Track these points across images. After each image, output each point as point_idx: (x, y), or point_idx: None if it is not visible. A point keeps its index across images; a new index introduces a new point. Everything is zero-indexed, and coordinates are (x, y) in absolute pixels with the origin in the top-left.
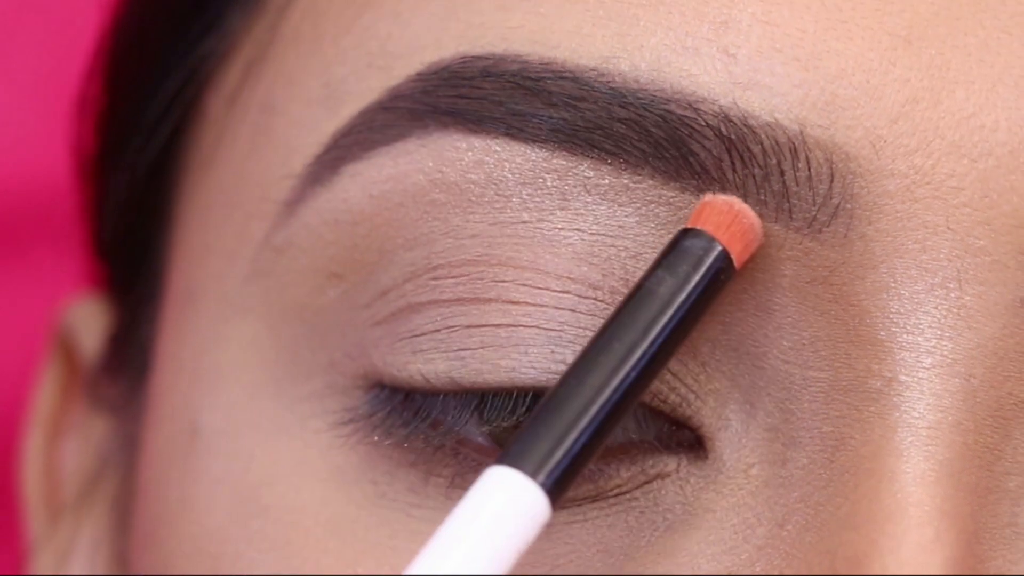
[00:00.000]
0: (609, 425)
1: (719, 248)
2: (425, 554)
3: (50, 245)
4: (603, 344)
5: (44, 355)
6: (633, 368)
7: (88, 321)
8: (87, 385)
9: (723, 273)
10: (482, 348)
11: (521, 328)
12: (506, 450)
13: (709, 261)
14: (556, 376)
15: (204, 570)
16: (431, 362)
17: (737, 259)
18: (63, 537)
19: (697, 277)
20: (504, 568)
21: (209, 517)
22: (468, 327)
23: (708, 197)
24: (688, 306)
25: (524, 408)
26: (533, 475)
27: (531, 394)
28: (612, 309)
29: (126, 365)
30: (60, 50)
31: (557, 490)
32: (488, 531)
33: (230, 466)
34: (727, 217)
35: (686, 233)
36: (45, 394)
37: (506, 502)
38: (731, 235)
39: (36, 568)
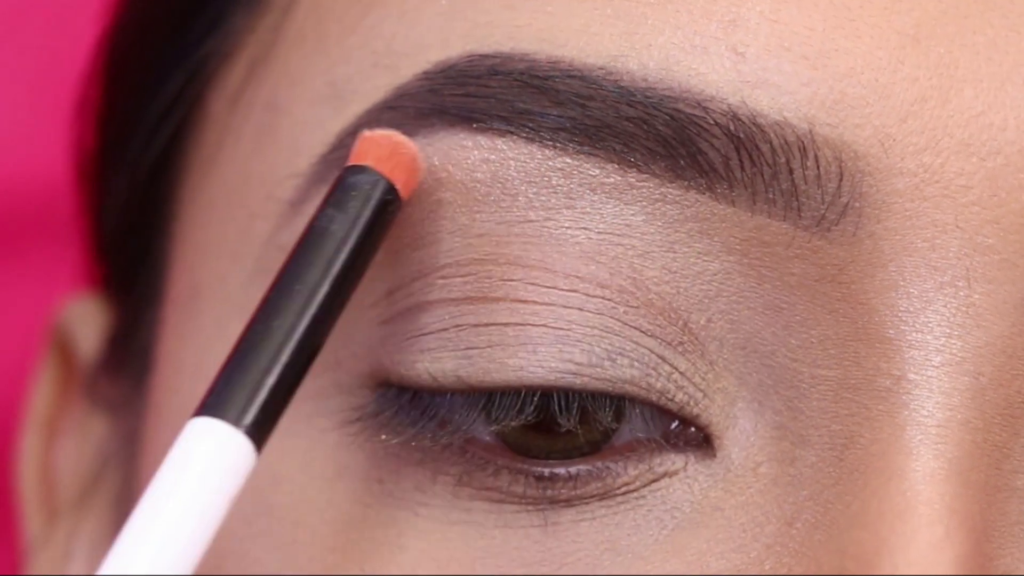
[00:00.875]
0: (301, 365)
1: (384, 181)
2: (136, 515)
3: (45, 245)
4: (286, 287)
5: (39, 355)
6: (318, 308)
7: (85, 320)
8: (85, 384)
9: (391, 205)
10: (490, 347)
11: (529, 327)
12: (204, 401)
13: (376, 194)
14: (564, 375)
15: (208, 569)
16: (439, 361)
17: (402, 190)
18: (62, 537)
19: (367, 212)
20: (219, 517)
21: None
22: (476, 326)
23: (367, 133)
24: (361, 240)
25: (532, 407)
26: (235, 422)
27: (539, 393)
28: (620, 308)
29: (126, 364)
30: (55, 50)
31: (260, 435)
32: (199, 482)
33: None
34: (387, 150)
35: (350, 170)
36: (41, 394)
37: (212, 452)
38: (393, 167)
39: (35, 568)
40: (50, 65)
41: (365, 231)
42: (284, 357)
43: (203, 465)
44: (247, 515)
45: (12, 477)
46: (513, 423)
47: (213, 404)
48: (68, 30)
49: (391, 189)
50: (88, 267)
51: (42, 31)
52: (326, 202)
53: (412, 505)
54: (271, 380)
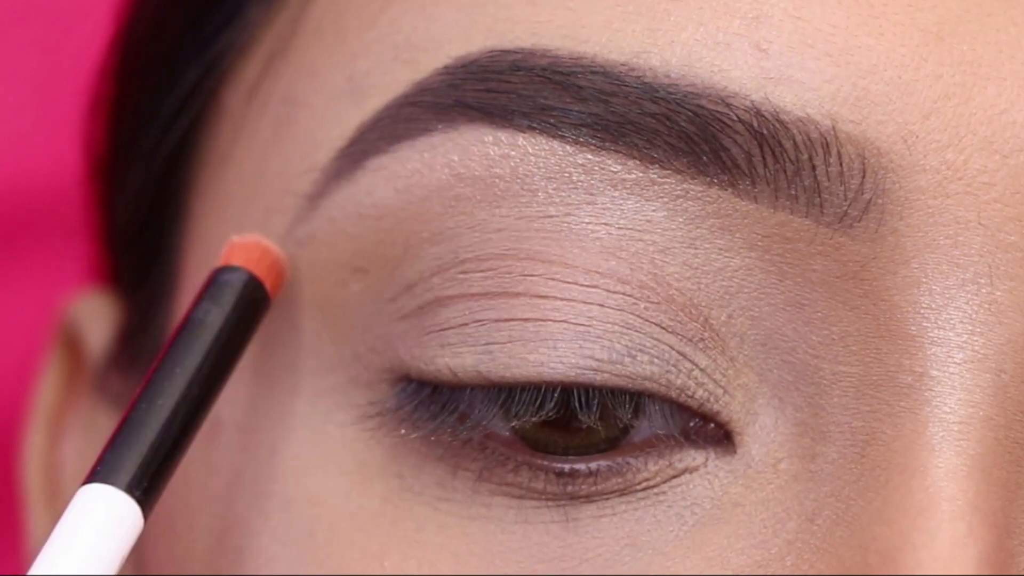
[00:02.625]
0: (185, 439)
1: (253, 278)
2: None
3: (48, 242)
4: (168, 369)
5: (42, 352)
6: (197, 389)
7: (94, 315)
8: (94, 379)
9: (260, 301)
10: (510, 342)
11: (549, 323)
12: (95, 468)
13: (247, 291)
14: (584, 372)
15: (225, 563)
16: (459, 356)
17: (271, 288)
18: None
19: (239, 305)
20: (112, 571)
21: (231, 510)
22: (496, 321)
23: (235, 238)
24: (233, 329)
25: (552, 403)
26: (127, 489)
27: (558, 389)
28: (641, 304)
29: (138, 359)
30: (57, 49)
31: (146, 500)
32: (92, 542)
33: (251, 459)
34: (255, 253)
35: (221, 269)
36: (47, 389)
37: (106, 514)
38: (262, 268)
39: None
40: (52, 63)
41: (236, 321)
42: (168, 432)
43: (96, 526)
44: (265, 510)
45: (16, 475)
46: (533, 419)
47: (104, 472)
48: (70, 29)
49: (260, 286)
50: (95, 263)
51: (43, 31)
52: (200, 296)
53: (432, 500)
54: (158, 452)
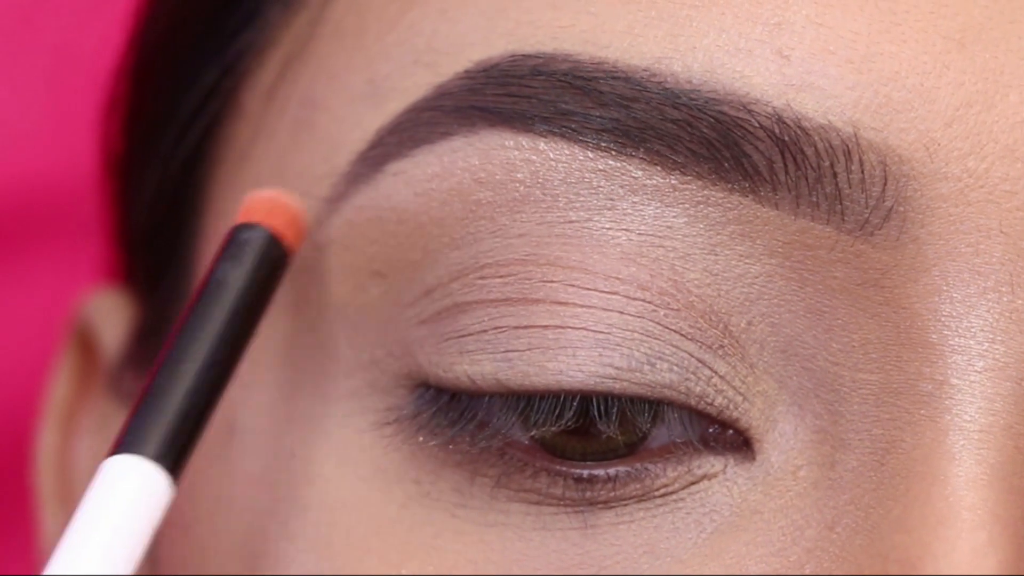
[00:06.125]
0: (211, 402)
1: (273, 236)
2: (62, 549)
3: (57, 240)
4: (190, 332)
5: (51, 352)
6: (220, 351)
7: (108, 314)
8: (107, 378)
9: (280, 259)
10: (529, 350)
11: (568, 330)
12: (120, 439)
13: (268, 249)
14: (603, 380)
15: (243, 568)
16: (477, 363)
17: (292, 245)
18: None
19: (260, 264)
20: (143, 545)
21: (248, 515)
22: (515, 328)
23: (252, 192)
24: (256, 290)
25: (571, 412)
26: (155, 458)
27: (578, 398)
28: (660, 311)
29: (153, 358)
30: (74, 47)
31: (175, 468)
32: (124, 514)
33: (269, 464)
34: (273, 208)
35: (241, 227)
36: (60, 388)
37: (137, 486)
38: (281, 223)
39: None
40: (68, 62)
41: (259, 282)
42: (192, 395)
43: (127, 498)
44: (282, 515)
45: (27, 474)
46: (552, 428)
47: (130, 442)
48: (87, 28)
49: (279, 244)
50: (110, 261)
51: (60, 29)
52: (220, 256)
53: (449, 507)
54: (184, 418)
